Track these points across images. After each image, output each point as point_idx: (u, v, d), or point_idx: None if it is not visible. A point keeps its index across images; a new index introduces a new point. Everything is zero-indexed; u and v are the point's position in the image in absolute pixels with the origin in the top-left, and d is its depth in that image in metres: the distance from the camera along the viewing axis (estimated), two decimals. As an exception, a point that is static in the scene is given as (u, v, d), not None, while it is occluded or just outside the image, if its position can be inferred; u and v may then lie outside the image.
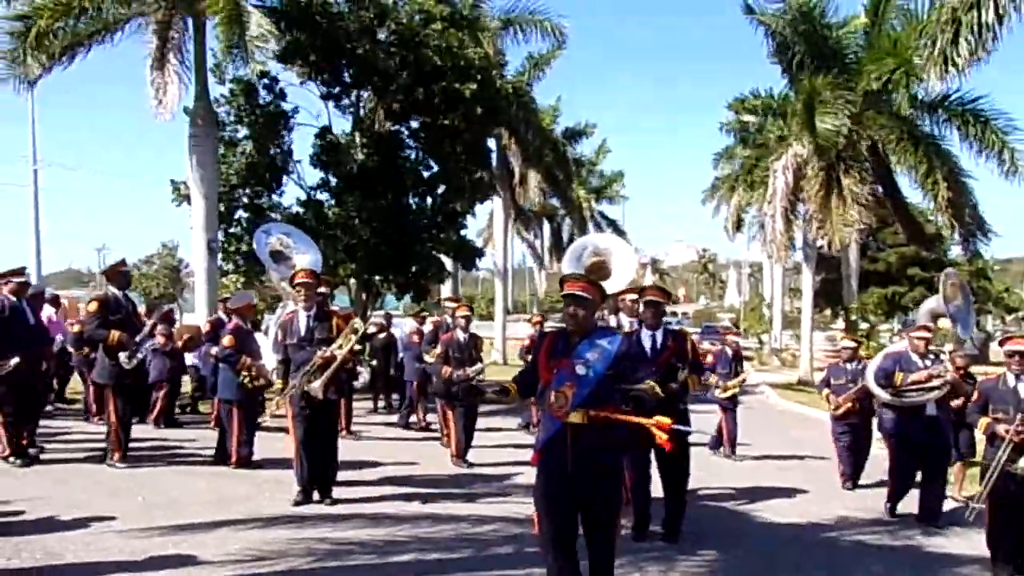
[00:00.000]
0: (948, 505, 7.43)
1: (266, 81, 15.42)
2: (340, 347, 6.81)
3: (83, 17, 13.34)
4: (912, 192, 20.00)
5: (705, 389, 9.88)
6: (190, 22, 14.14)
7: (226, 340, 8.39)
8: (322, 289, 7.94)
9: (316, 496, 6.92)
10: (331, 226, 15.41)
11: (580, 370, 4.16)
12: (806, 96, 17.12)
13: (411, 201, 16.58)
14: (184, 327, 12.22)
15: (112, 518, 6.15)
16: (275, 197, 16.12)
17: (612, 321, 7.06)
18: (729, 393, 10.15)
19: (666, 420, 4.16)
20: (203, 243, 14.51)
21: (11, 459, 7.84)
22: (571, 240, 34.85)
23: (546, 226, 34.34)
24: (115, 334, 7.99)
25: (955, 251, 21.94)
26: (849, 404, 8.71)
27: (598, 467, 4.14)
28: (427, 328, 10.89)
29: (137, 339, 8.15)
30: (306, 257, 9.08)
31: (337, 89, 16.03)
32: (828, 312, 38.62)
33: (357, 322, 7.05)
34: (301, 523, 6.26)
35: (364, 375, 12.76)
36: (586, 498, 4.14)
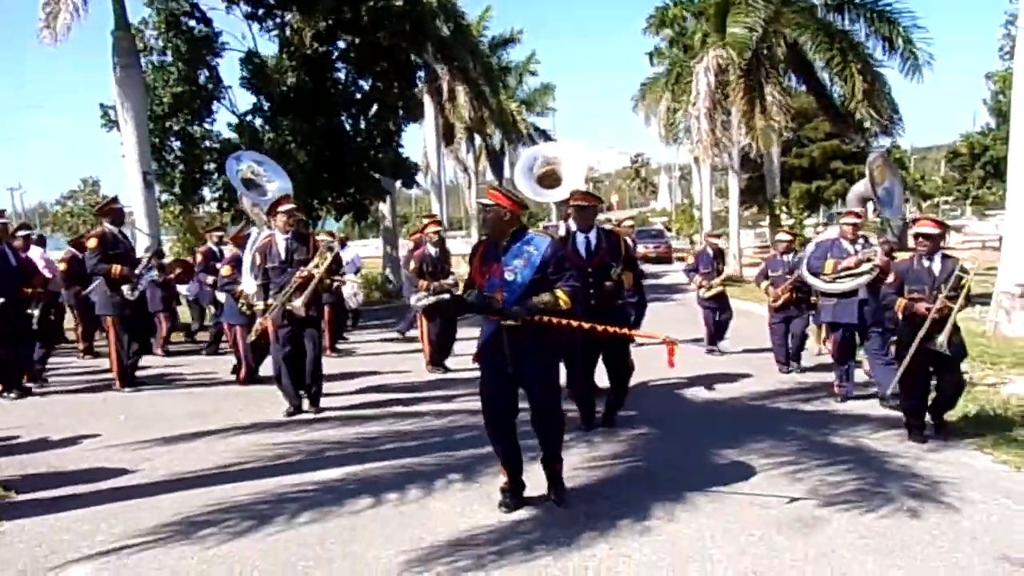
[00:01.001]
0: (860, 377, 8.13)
1: (187, 6, 15.11)
2: (317, 266, 7.15)
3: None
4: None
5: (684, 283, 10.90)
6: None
7: (224, 270, 9.02)
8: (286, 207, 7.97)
9: (306, 406, 7.40)
10: (266, 150, 15.44)
11: (508, 275, 4.49)
12: (717, 3, 17.54)
13: (345, 122, 16.67)
14: (175, 260, 12.53)
15: (97, 435, 6.71)
16: (207, 125, 15.97)
17: (562, 228, 7.26)
18: (713, 292, 10.48)
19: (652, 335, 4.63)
20: (138, 176, 14.43)
21: (4, 393, 8.23)
22: (501, 153, 35.13)
23: (477, 140, 34.38)
24: (116, 267, 8.42)
25: (877, 142, 22.92)
26: (787, 295, 9.13)
27: (535, 365, 4.55)
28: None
29: (136, 271, 8.61)
30: (275, 184, 9.20)
31: (261, 11, 15.80)
32: (755, 209, 40.04)
33: (333, 242, 7.44)
34: (277, 429, 6.87)
35: (360, 295, 12.97)
36: (527, 390, 4.63)
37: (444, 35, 20.33)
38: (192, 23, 15.28)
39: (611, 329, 4.72)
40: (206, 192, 16.60)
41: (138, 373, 9.17)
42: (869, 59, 18.34)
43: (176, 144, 15.73)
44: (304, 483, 5.32)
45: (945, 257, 6.16)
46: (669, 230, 46.42)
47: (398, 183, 18.97)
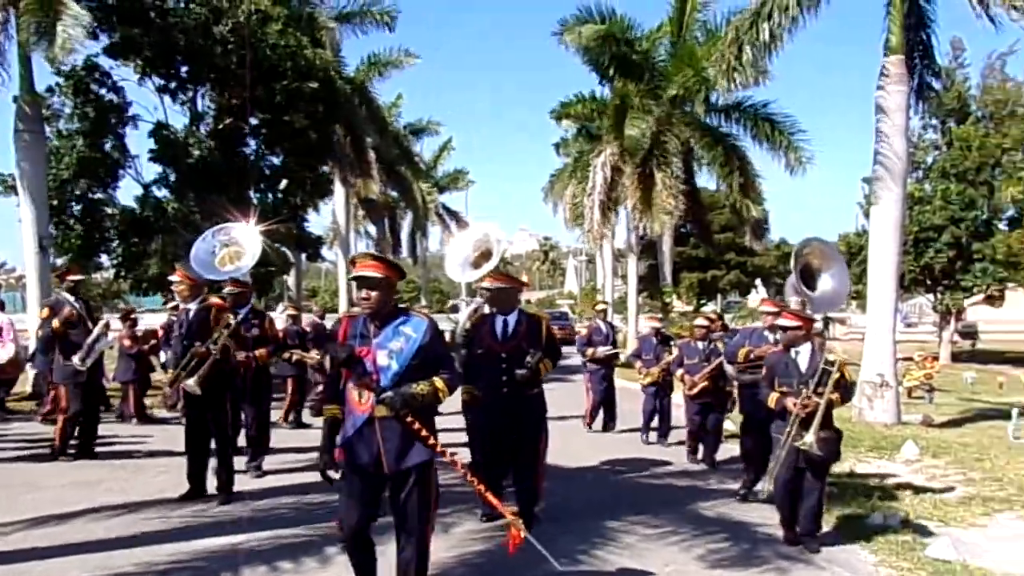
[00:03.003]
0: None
1: (97, 75, 15.25)
2: (215, 342, 6.70)
3: None
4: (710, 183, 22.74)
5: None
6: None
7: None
8: (230, 290, 7.81)
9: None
10: (171, 221, 15.49)
11: (383, 360, 3.93)
12: (615, 104, 19.03)
13: (253, 196, 16.89)
14: (147, 331, 12.39)
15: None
16: (111, 192, 15.93)
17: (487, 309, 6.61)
18: (649, 380, 10.15)
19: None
20: (33, 240, 14.23)
21: None
22: (412, 233, 35.81)
23: (387, 220, 34.96)
24: (56, 327, 8.44)
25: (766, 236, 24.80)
26: (705, 383, 8.58)
27: (412, 465, 3.93)
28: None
29: (88, 340, 8.50)
30: (245, 234, 8.26)
31: (174, 84, 16.06)
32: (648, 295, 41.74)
33: (229, 316, 6.98)
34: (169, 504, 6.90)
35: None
36: (392, 502, 4.00)
37: (356, 118, 21.01)
38: (103, 91, 15.38)
39: (456, 463, 4.10)
40: (104, 259, 16.41)
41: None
42: (748, 162, 20.03)
43: (77, 209, 15.58)
44: (195, 552, 5.37)
45: (814, 350, 5.83)
46: (574, 313, 47.61)
47: (303, 256, 19.17)
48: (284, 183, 17.52)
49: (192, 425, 6.86)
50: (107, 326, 8.97)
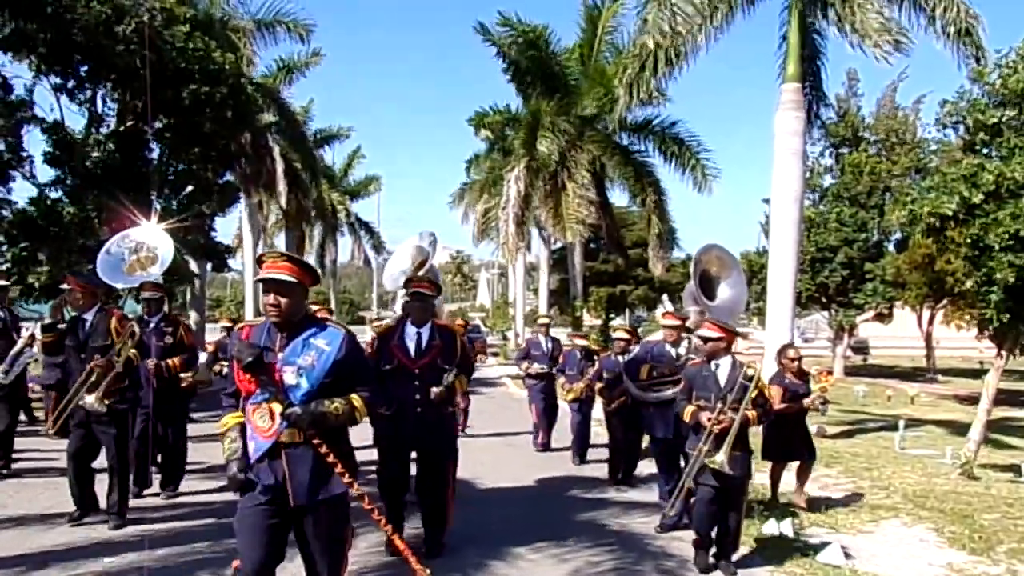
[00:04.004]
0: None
1: (-12, 71, 14.48)
2: (119, 354, 6.25)
3: None
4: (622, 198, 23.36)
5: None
6: None
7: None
8: (147, 294, 7.45)
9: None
10: (66, 226, 14.79)
11: (290, 378, 3.43)
12: (528, 121, 19.36)
13: (156, 201, 16.29)
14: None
15: None
16: (2, 194, 15.08)
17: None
18: (572, 396, 9.71)
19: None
20: (-87, 242, 13.41)
21: None
22: (322, 243, 35.17)
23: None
24: None
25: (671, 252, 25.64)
26: (623, 399, 8.08)
27: (323, 499, 3.48)
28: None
29: (12, 352, 8.03)
30: (157, 239, 8.07)
31: (72, 83, 15.38)
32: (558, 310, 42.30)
33: (134, 326, 6.50)
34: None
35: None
36: (299, 537, 3.55)
37: (265, 123, 20.59)
38: (-7, 88, 14.60)
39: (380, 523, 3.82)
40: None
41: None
42: (657, 179, 20.67)
43: (-36, 211, 14.70)
44: (87, 573, 5.18)
45: (734, 363, 5.57)
46: (486, 326, 47.78)
47: (208, 266, 18.59)
48: (189, 189, 16.97)
49: (79, 443, 6.29)
50: (32, 338, 8.30)
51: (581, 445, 9.89)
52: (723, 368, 5.56)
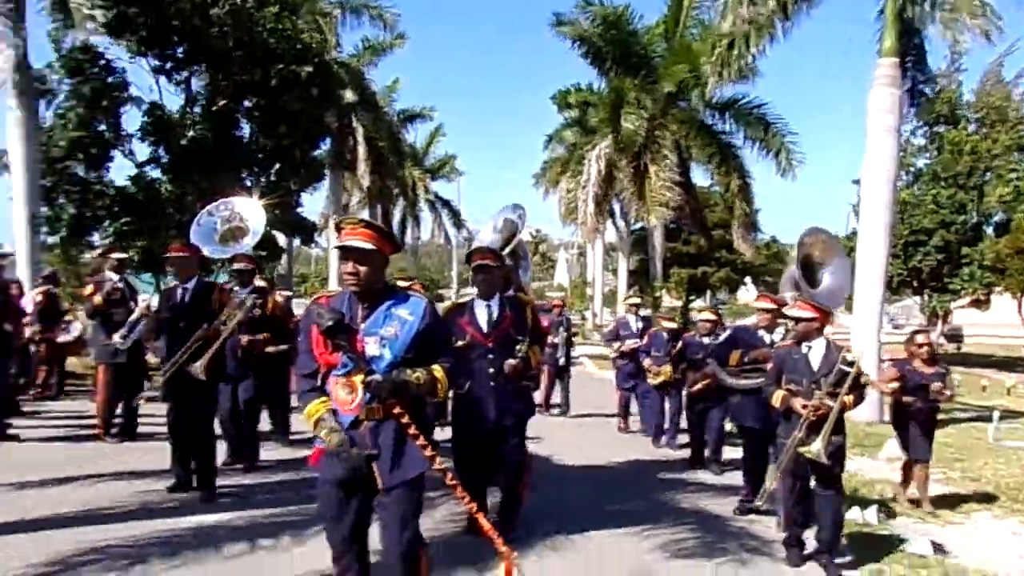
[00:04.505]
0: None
1: (93, 54, 15.16)
2: (224, 323, 6.28)
3: None
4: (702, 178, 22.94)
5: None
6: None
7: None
8: (239, 266, 7.49)
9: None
10: (163, 202, 15.46)
11: (373, 349, 3.33)
12: (612, 98, 19.08)
13: (246, 179, 16.85)
14: None
15: None
16: (104, 172, 15.84)
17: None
18: (660, 379, 9.45)
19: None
20: (25, 217, 14.23)
21: None
22: (403, 220, 35.73)
23: (379, 208, 35.01)
24: (98, 302, 8.27)
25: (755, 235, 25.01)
26: (707, 380, 7.92)
27: (404, 470, 3.38)
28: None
29: (130, 319, 8.31)
30: (250, 209, 8.03)
31: (169, 65, 15.98)
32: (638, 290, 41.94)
33: (247, 296, 6.55)
34: (148, 477, 6.92)
35: None
36: (380, 517, 3.46)
37: (349, 102, 20.98)
38: (97, 70, 15.28)
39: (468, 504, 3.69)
40: (96, 237, 16.33)
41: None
42: (741, 160, 20.16)
43: (69, 188, 15.49)
44: (176, 527, 5.47)
45: (829, 347, 5.24)
46: (563, 305, 47.73)
47: (296, 241, 19.14)
48: (277, 166, 17.46)
49: (175, 415, 6.34)
50: (148, 307, 8.40)
51: (665, 427, 9.72)
52: (816, 351, 5.23)
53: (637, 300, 11.57)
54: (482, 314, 5.48)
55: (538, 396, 10.41)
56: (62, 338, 11.18)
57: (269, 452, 8.04)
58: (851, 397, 5.08)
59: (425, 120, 30.19)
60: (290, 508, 6.02)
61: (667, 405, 9.65)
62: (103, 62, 15.34)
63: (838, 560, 5.22)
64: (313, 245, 20.71)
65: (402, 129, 28.36)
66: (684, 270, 39.28)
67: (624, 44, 19.73)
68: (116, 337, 8.27)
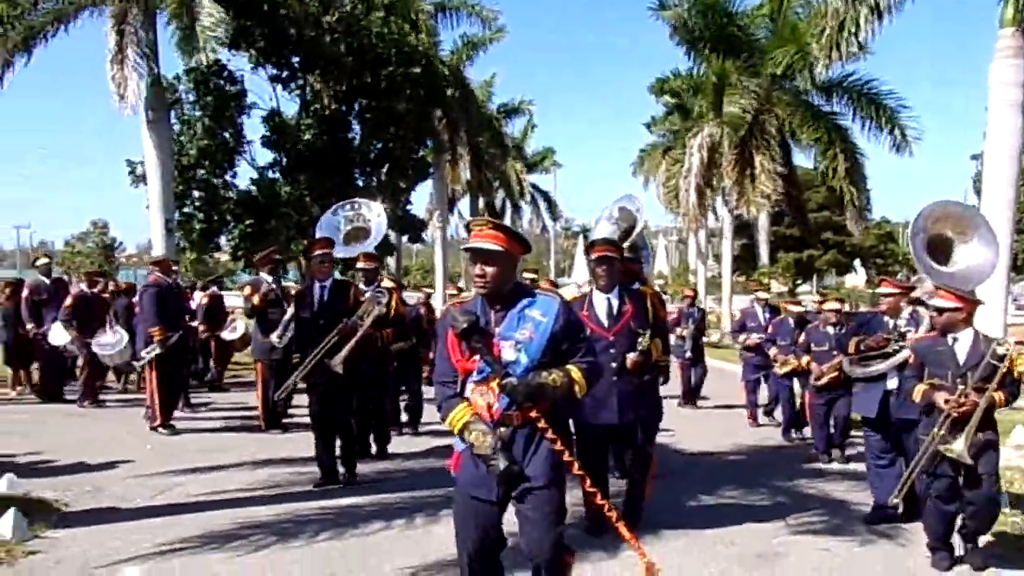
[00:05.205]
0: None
1: (217, 66, 16.16)
2: (361, 319, 6.56)
3: (37, 7, 13.93)
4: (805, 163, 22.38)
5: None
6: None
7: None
8: (364, 265, 7.81)
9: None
10: (283, 204, 16.36)
11: (509, 354, 3.24)
12: (714, 81, 18.80)
13: (358, 179, 17.61)
14: None
15: (130, 461, 7.41)
16: (228, 177, 16.91)
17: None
18: (787, 369, 9.02)
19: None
20: (160, 222, 15.30)
21: (161, 429, 8.76)
22: (502, 211, 36.18)
23: (480, 201, 35.65)
24: (256, 303, 8.71)
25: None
26: (835, 373, 7.54)
27: (536, 493, 3.27)
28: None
29: (285, 319, 8.53)
30: (373, 212, 8.49)
31: (285, 74, 16.86)
32: (745, 276, 41.10)
33: (380, 292, 6.84)
34: (292, 463, 7.41)
35: None
36: (520, 527, 3.36)
37: (452, 100, 21.47)
38: (221, 82, 16.29)
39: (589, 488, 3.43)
40: (222, 240, 17.45)
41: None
42: (851, 142, 19.52)
43: (197, 194, 16.61)
44: (322, 507, 5.94)
45: (977, 338, 4.91)
46: (665, 293, 47.32)
47: (404, 237, 19.83)
48: (387, 166, 18.16)
49: (319, 409, 6.62)
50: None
51: (792, 420, 9.41)
52: (963, 343, 4.88)
53: (766, 295, 11.12)
54: (602, 307, 5.33)
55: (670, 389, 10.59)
56: (227, 336, 11.98)
57: (399, 442, 8.47)
58: (1002, 393, 4.74)
59: (524, 115, 30.56)
60: (423, 492, 6.35)
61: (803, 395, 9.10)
62: (226, 74, 16.37)
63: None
64: (421, 241, 21.32)
65: (501, 123, 28.76)
66: (790, 254, 38.31)
67: (724, 28, 19.43)
68: (272, 336, 8.61)
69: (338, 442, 6.71)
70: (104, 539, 5.16)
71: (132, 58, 13.99)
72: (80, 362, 10.95)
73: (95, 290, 11.07)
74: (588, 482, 3.39)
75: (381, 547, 5.14)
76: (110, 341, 10.16)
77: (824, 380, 7.82)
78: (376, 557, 4.94)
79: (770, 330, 9.69)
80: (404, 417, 9.24)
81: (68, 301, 10.61)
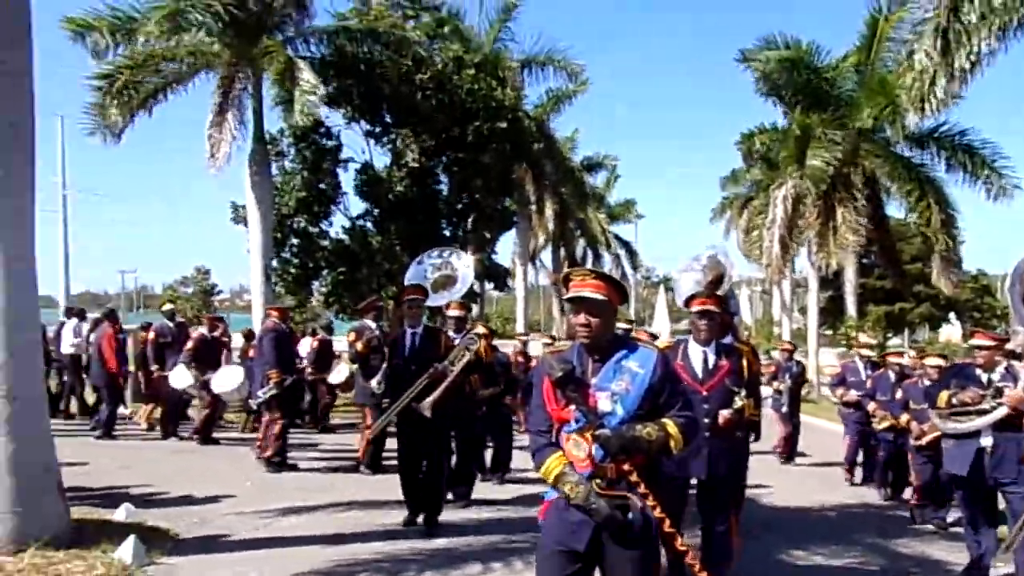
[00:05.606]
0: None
1: (315, 122, 17.06)
2: (452, 364, 6.69)
3: (159, 71, 15.09)
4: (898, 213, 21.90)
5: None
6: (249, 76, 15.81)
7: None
8: (454, 313, 8.01)
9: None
10: (374, 252, 17.00)
11: (605, 405, 3.21)
12: (797, 136, 18.80)
13: (446, 229, 18.16)
14: None
15: (232, 496, 7.85)
16: (323, 226, 17.72)
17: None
18: (886, 424, 8.77)
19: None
20: (260, 268, 16.10)
21: (269, 466, 9.24)
22: (583, 259, 36.49)
23: (562, 250, 36.05)
24: (360, 349, 8.91)
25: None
26: (937, 432, 6.83)
27: (636, 535, 3.18)
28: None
29: (384, 366, 8.55)
30: (461, 262, 8.65)
31: (378, 129, 17.66)
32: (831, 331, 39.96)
33: (471, 339, 7.00)
34: (388, 506, 7.61)
35: None
36: (611, 566, 3.25)
37: (537, 152, 22.00)
38: (319, 137, 17.19)
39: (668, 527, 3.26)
40: (317, 286, 18.21)
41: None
42: (944, 193, 19.12)
43: (295, 242, 17.44)
44: (416, 549, 6.17)
45: None
46: (794, 349, 46.28)
47: (489, 285, 20.26)
48: (472, 216, 18.68)
49: (409, 448, 6.80)
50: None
51: (892, 478, 9.22)
52: None
53: (870, 352, 10.78)
54: (697, 360, 5.23)
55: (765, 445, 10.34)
56: (333, 379, 12.44)
57: (485, 489, 8.70)
58: None
59: (605, 169, 31.05)
60: (515, 537, 6.49)
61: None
62: (323, 129, 17.27)
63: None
64: (506, 290, 21.74)
65: (584, 174, 29.23)
66: (880, 307, 37.19)
67: (809, 82, 19.45)
68: (372, 382, 8.68)
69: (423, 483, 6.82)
70: (214, 567, 5.55)
71: (231, 122, 14.90)
72: (197, 402, 11.62)
73: (215, 333, 11.74)
74: (679, 541, 3.35)
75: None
76: (229, 381, 10.77)
77: (927, 440, 7.48)
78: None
79: (869, 384, 9.40)
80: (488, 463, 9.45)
81: (190, 344, 11.29)
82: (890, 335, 40.60)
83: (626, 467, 3.16)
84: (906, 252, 37.60)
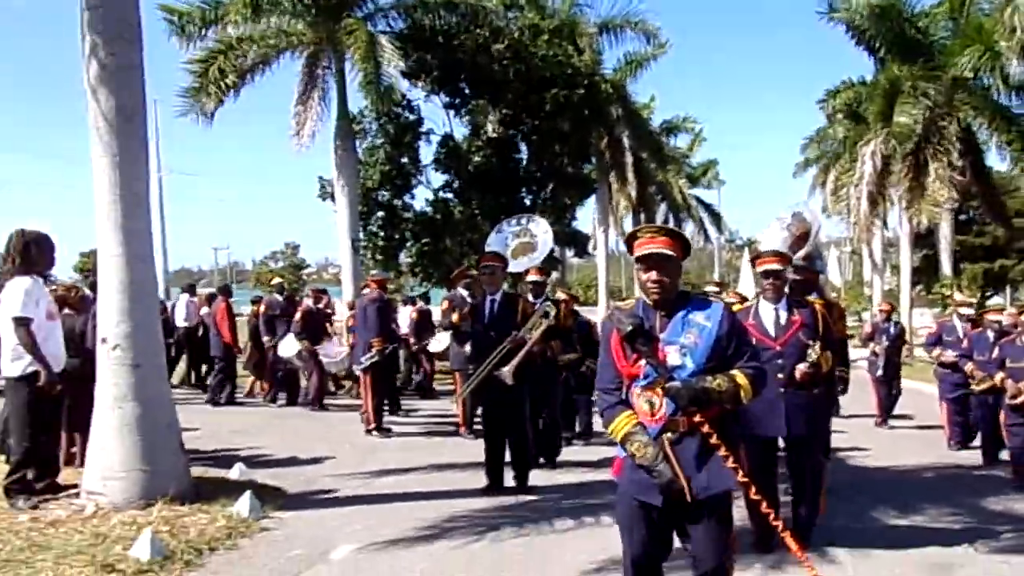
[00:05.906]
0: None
1: (398, 97, 17.42)
2: (530, 331, 6.69)
3: (246, 55, 15.66)
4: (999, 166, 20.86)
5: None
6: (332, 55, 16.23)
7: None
8: (533, 278, 8.01)
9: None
10: (456, 223, 17.36)
11: (674, 359, 3.22)
12: (884, 90, 18.08)
13: (525, 197, 18.35)
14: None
15: (332, 458, 8.31)
16: (407, 199, 18.17)
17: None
18: (985, 386, 8.32)
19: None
20: (347, 242, 16.65)
21: (374, 432, 9.64)
22: (665, 223, 36.11)
23: (642, 215, 35.74)
24: (455, 319, 8.67)
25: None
26: None
27: (711, 488, 3.22)
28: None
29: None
30: (540, 227, 8.82)
31: (457, 100, 17.89)
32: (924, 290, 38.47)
33: (548, 306, 6.96)
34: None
35: None
36: (690, 524, 3.30)
37: (616, 117, 21.87)
38: (400, 111, 17.56)
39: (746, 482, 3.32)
40: (402, 257, 18.74)
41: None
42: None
43: (380, 214, 17.95)
44: (513, 506, 6.45)
45: None
46: (892, 309, 44.95)
47: (569, 252, 20.39)
48: (552, 184, 18.78)
49: (492, 416, 6.91)
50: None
51: (991, 442, 8.70)
52: None
53: (969, 310, 10.13)
54: (769, 317, 5.24)
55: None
56: (433, 348, 12.84)
57: (570, 452, 8.87)
58: None
59: (684, 132, 30.53)
60: (604, 496, 6.59)
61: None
62: (404, 103, 17.62)
63: None
64: (586, 256, 21.85)
65: (664, 138, 28.84)
66: (977, 265, 35.55)
67: (901, 31, 18.65)
68: (466, 347, 8.71)
69: (509, 450, 6.90)
70: (323, 521, 5.94)
71: (316, 100, 15.38)
72: (306, 371, 12.20)
73: (319, 305, 12.34)
74: (754, 490, 3.37)
75: (571, 541, 5.51)
76: (334, 351, 11.41)
77: (1021, 399, 7.28)
78: (566, 549, 5.33)
79: (966, 344, 8.97)
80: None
81: (298, 316, 11.82)
82: (989, 293, 38.82)
83: (697, 419, 3.17)
84: (1009, 207, 35.79)
